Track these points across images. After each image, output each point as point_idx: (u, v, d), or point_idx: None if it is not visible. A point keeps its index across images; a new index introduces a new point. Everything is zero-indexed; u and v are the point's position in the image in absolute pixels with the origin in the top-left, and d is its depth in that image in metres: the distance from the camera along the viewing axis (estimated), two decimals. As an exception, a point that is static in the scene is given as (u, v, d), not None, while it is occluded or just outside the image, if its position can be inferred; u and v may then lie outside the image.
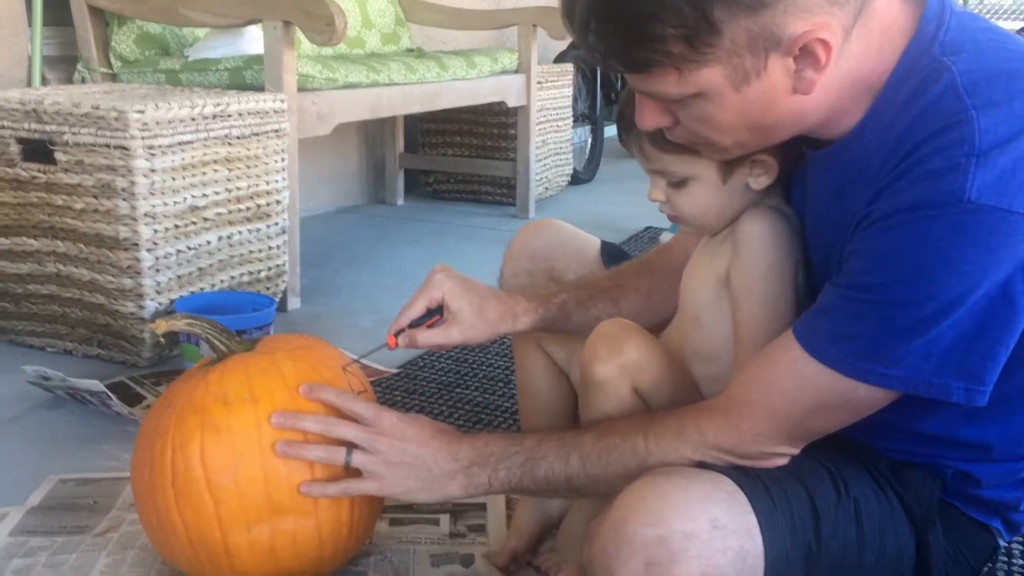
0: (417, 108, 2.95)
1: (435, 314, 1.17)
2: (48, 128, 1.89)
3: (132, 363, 1.95)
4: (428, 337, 1.17)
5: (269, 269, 2.22)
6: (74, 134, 1.86)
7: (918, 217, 0.84)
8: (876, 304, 0.87)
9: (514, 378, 1.40)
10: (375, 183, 3.84)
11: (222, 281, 2.09)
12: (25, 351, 2.03)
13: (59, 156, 1.90)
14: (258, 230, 2.17)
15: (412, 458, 1.05)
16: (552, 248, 1.36)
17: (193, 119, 1.94)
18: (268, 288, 2.22)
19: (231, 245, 2.10)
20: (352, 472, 1.07)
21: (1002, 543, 1.08)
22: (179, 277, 1.97)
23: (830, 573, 0.95)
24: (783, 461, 0.97)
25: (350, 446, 1.06)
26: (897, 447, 1.02)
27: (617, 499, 0.92)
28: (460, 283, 1.18)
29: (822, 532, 0.94)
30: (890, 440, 1.03)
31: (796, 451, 0.97)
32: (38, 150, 1.92)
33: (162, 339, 1.84)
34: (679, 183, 1.04)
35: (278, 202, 2.21)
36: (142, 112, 1.83)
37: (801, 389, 0.92)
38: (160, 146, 1.88)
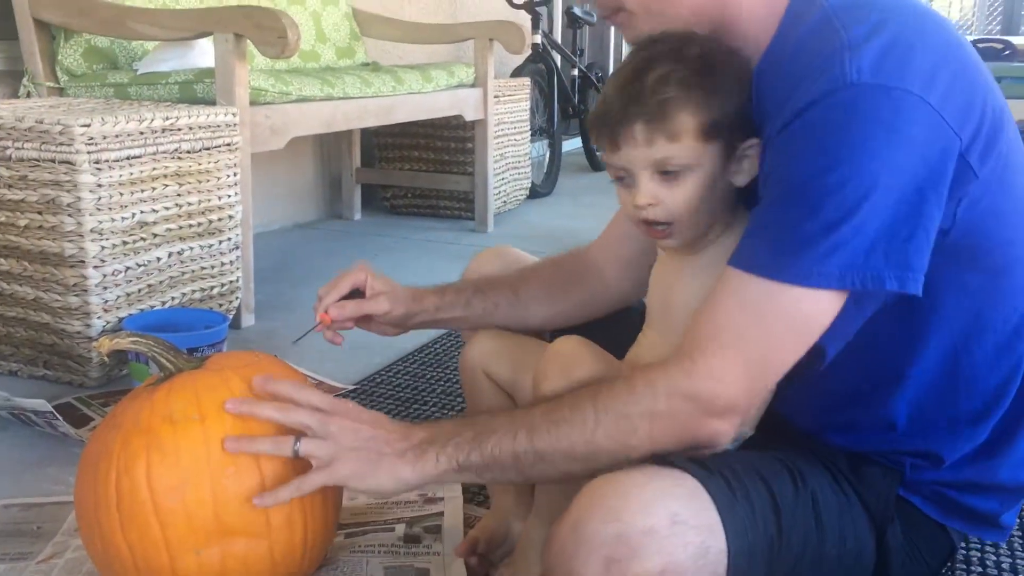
0: (372, 122, 2.92)
1: (356, 295, 1.27)
2: (-10, 143, 1.84)
3: (79, 383, 1.90)
4: (359, 304, 1.25)
5: (222, 285, 2.18)
6: (17, 149, 1.82)
7: (811, 113, 0.89)
8: (796, 203, 0.90)
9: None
10: (331, 198, 3.80)
11: (173, 298, 2.04)
12: (-33, 372, 1.97)
13: (2, 171, 1.85)
14: (210, 246, 2.13)
15: (364, 440, 1.01)
16: (505, 274, 1.36)
17: (141, 133, 1.90)
18: (221, 305, 2.18)
19: (182, 261, 2.06)
20: (302, 470, 1.03)
21: (960, 546, 1.08)
22: (128, 295, 1.93)
23: (792, 566, 0.95)
24: (737, 424, 0.95)
25: (299, 436, 1.02)
26: (855, 439, 1.03)
27: (575, 498, 0.90)
28: (375, 272, 1.29)
29: (783, 525, 0.94)
30: (847, 433, 1.04)
31: (752, 406, 0.95)
32: (-20, 165, 1.87)
33: (106, 358, 1.79)
34: (675, 175, 1.01)
35: (231, 217, 2.17)
36: (88, 126, 1.78)
37: (745, 314, 0.92)
38: (107, 160, 1.83)
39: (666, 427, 0.94)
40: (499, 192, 3.69)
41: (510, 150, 3.78)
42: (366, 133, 3.73)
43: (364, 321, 1.29)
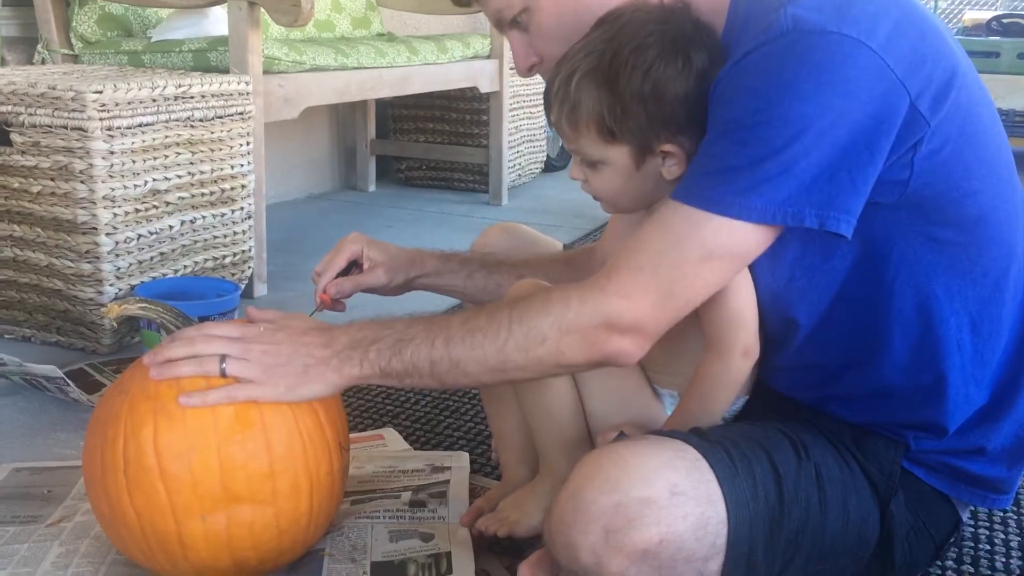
0: (387, 93, 2.91)
1: (354, 267, 1.28)
2: (3, 109, 1.84)
3: (92, 350, 1.91)
4: (357, 281, 1.27)
5: (234, 255, 2.18)
6: (30, 115, 1.82)
7: (748, 59, 0.92)
8: (726, 140, 0.92)
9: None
10: (346, 169, 3.79)
11: (185, 267, 2.05)
12: (-18, 338, 1.99)
13: (15, 137, 1.85)
14: (223, 215, 2.13)
15: (286, 357, 1.04)
16: (513, 252, 1.36)
17: (154, 100, 1.90)
18: (233, 274, 2.18)
19: (194, 230, 2.06)
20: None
21: (966, 517, 1.08)
22: (140, 262, 1.93)
23: (794, 537, 0.95)
24: (642, 345, 0.95)
25: (224, 357, 1.04)
26: (855, 410, 1.03)
27: (575, 469, 0.91)
28: (370, 239, 1.30)
29: (784, 495, 0.94)
30: (847, 405, 1.04)
31: (659, 329, 0.96)
32: (-7, 131, 1.87)
33: (114, 323, 1.79)
34: (593, 164, 1.05)
35: (243, 187, 2.17)
36: (100, 92, 1.78)
37: (664, 238, 0.93)
38: (119, 127, 1.83)
39: (574, 341, 0.95)
40: (514, 165, 3.67)
41: (525, 123, 3.75)
42: (381, 104, 3.72)
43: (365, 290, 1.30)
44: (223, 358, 1.04)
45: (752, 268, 1.00)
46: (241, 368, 1.04)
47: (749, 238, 0.92)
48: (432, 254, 1.32)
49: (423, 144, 3.72)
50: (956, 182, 0.95)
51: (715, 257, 0.93)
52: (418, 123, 3.72)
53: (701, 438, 0.94)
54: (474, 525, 1.20)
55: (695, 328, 1.05)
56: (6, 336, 1.99)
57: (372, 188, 3.75)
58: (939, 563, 1.23)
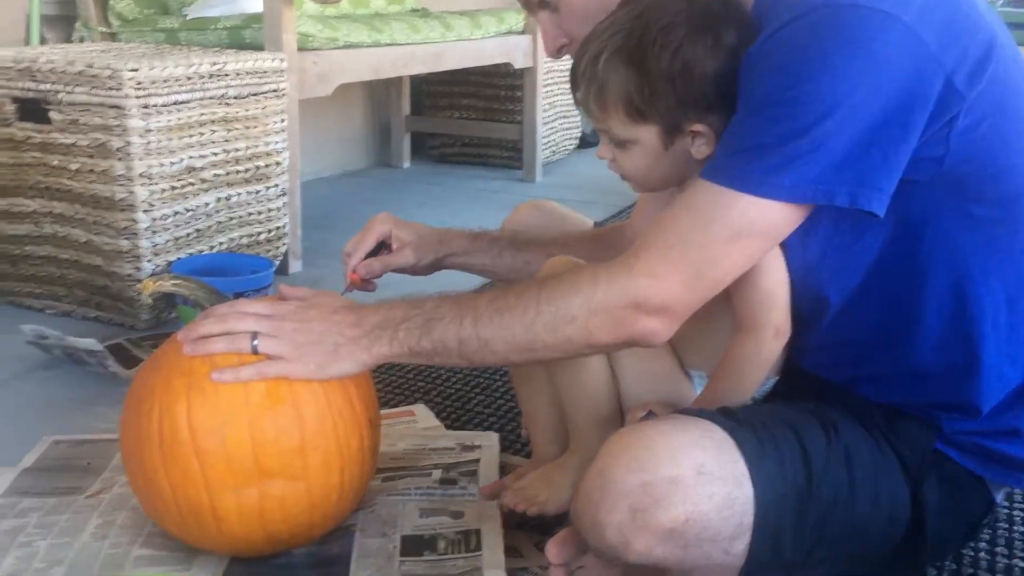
0: (420, 69, 2.91)
1: (383, 247, 1.29)
2: (43, 87, 1.87)
3: (130, 325, 1.94)
4: (386, 261, 1.28)
5: (269, 231, 2.20)
6: (68, 93, 1.84)
7: (779, 35, 0.91)
8: (756, 118, 0.91)
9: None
10: (381, 146, 3.80)
11: (221, 243, 2.07)
12: (24, 312, 2.02)
13: (54, 116, 1.87)
14: (257, 192, 2.15)
15: (317, 335, 1.05)
16: (544, 229, 1.36)
17: (189, 78, 1.91)
18: (268, 251, 2.20)
19: (230, 207, 2.08)
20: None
21: (1000, 498, 1.06)
22: (176, 239, 1.95)
23: (822, 518, 0.94)
24: (671, 326, 0.95)
25: (255, 334, 1.05)
26: (888, 391, 1.02)
27: (602, 447, 0.91)
28: (399, 219, 1.31)
29: (813, 476, 0.93)
30: (879, 385, 1.03)
31: (687, 309, 0.95)
32: (33, 109, 1.90)
33: (149, 299, 1.81)
34: (622, 144, 1.04)
35: (278, 164, 2.19)
36: (136, 71, 1.80)
37: (693, 218, 0.93)
38: (155, 105, 1.85)
39: (602, 321, 0.95)
40: (548, 141, 3.66)
41: (560, 98, 3.73)
42: (415, 80, 3.71)
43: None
44: (255, 335, 1.05)
45: (783, 246, 1.00)
46: (272, 345, 1.05)
47: (779, 217, 0.91)
48: (461, 233, 1.33)
49: (457, 120, 3.71)
50: (994, 157, 0.94)
51: (744, 236, 0.92)
52: (452, 99, 3.71)
53: (729, 418, 0.93)
54: (503, 502, 1.20)
55: (726, 308, 1.05)
56: (48, 311, 2.03)
57: (406, 165, 3.76)
58: (972, 545, 1.22)
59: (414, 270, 1.31)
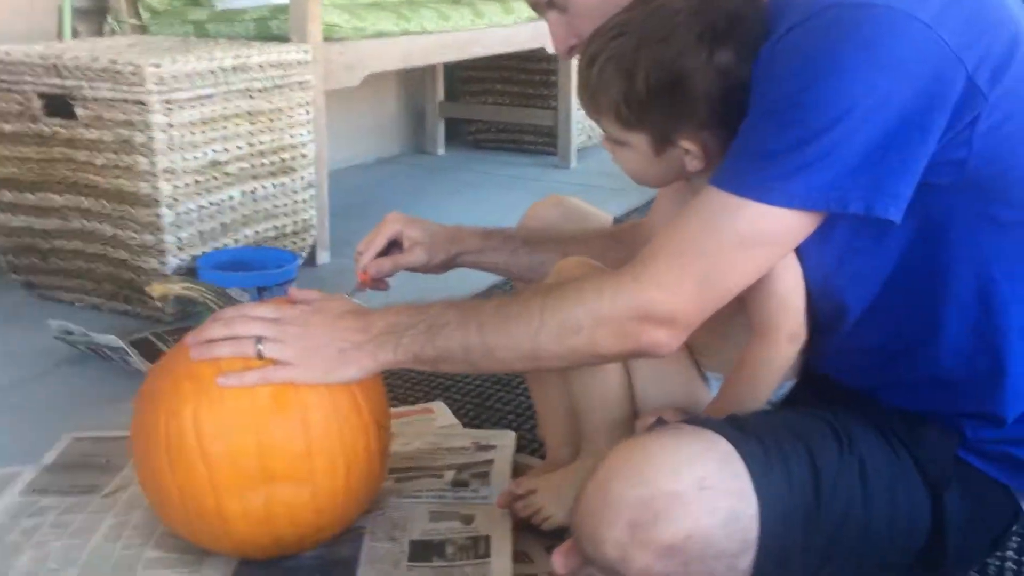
0: (451, 57, 2.89)
1: (393, 247, 1.27)
2: (68, 83, 1.88)
3: (156, 319, 1.95)
4: (396, 260, 1.26)
5: (295, 224, 2.20)
6: (93, 89, 1.85)
7: (791, 36, 0.87)
8: (767, 123, 0.87)
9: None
10: (415, 132, 3.79)
11: (246, 236, 2.07)
12: (54, 306, 2.05)
13: (79, 111, 1.89)
14: (283, 184, 2.15)
15: (322, 341, 1.04)
16: (562, 225, 1.34)
17: (212, 72, 1.91)
18: (295, 243, 2.21)
19: (255, 200, 2.08)
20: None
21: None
22: (201, 233, 1.96)
23: (833, 532, 0.91)
24: (679, 336, 0.93)
25: (260, 339, 1.05)
26: (910, 398, 0.99)
27: (603, 461, 0.89)
28: (410, 218, 1.29)
29: (822, 490, 0.90)
30: (900, 392, 0.99)
31: (695, 320, 0.93)
32: (59, 105, 1.91)
33: (159, 303, 1.80)
34: (617, 142, 1.03)
35: (304, 156, 2.18)
36: (158, 66, 1.80)
37: (702, 226, 0.90)
38: (178, 100, 1.85)
39: (608, 332, 0.93)
40: (583, 127, 3.61)
41: (595, 83, 3.69)
42: (449, 66, 3.69)
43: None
44: (259, 339, 1.04)
45: (799, 251, 0.96)
46: (277, 350, 1.05)
47: (790, 225, 0.88)
48: (473, 231, 1.31)
49: (492, 106, 3.69)
50: (1019, 158, 0.89)
51: (754, 245, 0.89)
52: (486, 85, 3.69)
53: (736, 429, 0.90)
54: (513, 510, 1.19)
55: (743, 309, 1.02)
56: (77, 304, 2.05)
57: (441, 151, 3.74)
58: (998, 554, 1.18)
59: (426, 269, 1.29)
